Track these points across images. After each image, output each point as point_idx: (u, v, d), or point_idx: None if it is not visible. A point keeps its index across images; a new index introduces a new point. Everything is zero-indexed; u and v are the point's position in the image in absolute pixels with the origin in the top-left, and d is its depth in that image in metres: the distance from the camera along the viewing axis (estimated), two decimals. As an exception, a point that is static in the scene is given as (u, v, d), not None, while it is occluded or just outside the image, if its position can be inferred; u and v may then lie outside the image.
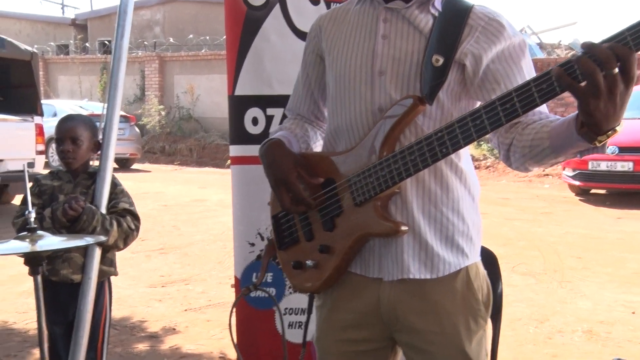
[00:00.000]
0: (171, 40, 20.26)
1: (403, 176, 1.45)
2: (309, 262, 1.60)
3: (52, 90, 21.09)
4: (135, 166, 15.64)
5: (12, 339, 3.93)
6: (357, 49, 1.57)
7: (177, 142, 18.13)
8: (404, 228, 1.49)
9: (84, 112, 14.80)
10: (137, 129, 15.99)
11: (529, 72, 1.48)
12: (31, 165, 9.04)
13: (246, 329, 2.62)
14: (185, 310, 4.63)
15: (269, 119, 2.69)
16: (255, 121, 2.71)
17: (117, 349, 3.77)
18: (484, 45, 1.48)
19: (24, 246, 1.88)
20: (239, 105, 2.72)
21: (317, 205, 1.57)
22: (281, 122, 2.37)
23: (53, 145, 11.95)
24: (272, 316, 2.65)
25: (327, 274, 1.58)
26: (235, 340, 2.39)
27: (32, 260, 1.91)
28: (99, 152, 2.64)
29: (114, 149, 2.66)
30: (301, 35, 2.61)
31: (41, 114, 9.07)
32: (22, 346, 3.83)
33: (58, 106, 14.83)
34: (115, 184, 2.66)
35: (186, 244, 6.93)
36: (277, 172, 1.57)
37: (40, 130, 9.03)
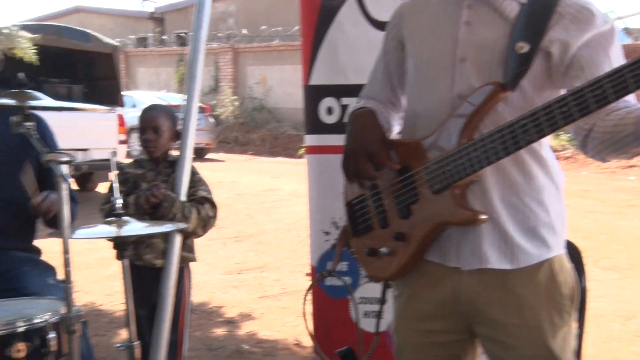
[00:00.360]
0: (244, 32, 20.57)
1: (483, 164, 1.43)
2: (383, 250, 1.60)
3: (131, 82, 21.87)
4: (209, 156, 16.02)
5: (100, 320, 4.13)
6: (439, 36, 1.56)
7: (250, 132, 18.43)
8: (482, 217, 1.46)
9: (162, 103, 15.28)
10: (212, 119, 16.36)
11: (617, 60, 1.43)
12: (114, 154, 9.42)
13: (321, 317, 2.65)
14: (261, 297, 4.73)
15: (344, 109, 2.70)
16: (330, 111, 2.72)
17: (196, 332, 3.89)
18: (573, 33, 1.44)
19: (111, 231, 1.96)
20: (313, 94, 2.74)
21: (393, 191, 1.57)
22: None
23: (133, 135, 12.47)
24: (347, 305, 2.67)
25: (402, 261, 1.57)
26: (310, 327, 2.41)
27: (119, 244, 2.00)
28: (178, 141, 2.73)
29: (193, 138, 2.74)
30: (377, 24, 2.60)
31: (122, 105, 9.43)
32: (109, 326, 4.02)
33: (137, 97, 15.34)
34: (193, 173, 2.74)
35: (260, 233, 7.06)
36: (365, 141, 1.55)
37: (121, 120, 9.39)
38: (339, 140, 2.63)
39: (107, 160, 2.37)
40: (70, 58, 8.87)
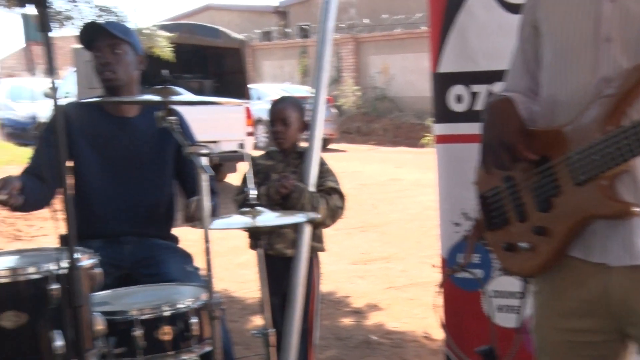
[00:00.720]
0: (366, 21, 20.55)
1: (636, 153, 1.32)
2: (523, 245, 1.53)
3: (257, 75, 22.57)
4: (332, 146, 16.22)
5: (233, 307, 4.30)
6: (579, 14, 1.45)
7: (372, 122, 18.43)
8: (635, 209, 1.36)
9: (287, 95, 15.63)
10: (334, 110, 16.52)
11: None
12: (242, 146, 9.78)
13: (452, 310, 2.59)
14: (387, 288, 4.72)
15: (474, 96, 2.61)
16: (459, 99, 2.64)
17: (325, 322, 3.95)
18: None
19: (246, 221, 2.04)
20: (442, 82, 2.67)
21: (531, 183, 1.49)
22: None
23: (259, 127, 12.83)
24: (479, 298, 2.59)
25: (544, 257, 1.50)
26: (442, 321, 2.37)
27: (254, 234, 2.06)
28: (307, 132, 2.77)
29: (321, 130, 2.77)
30: (509, 7, 2.49)
31: (249, 98, 9.75)
32: (241, 313, 4.18)
33: (262, 90, 15.79)
34: (322, 163, 2.77)
35: (384, 223, 7.05)
36: (502, 131, 1.50)
37: (249, 113, 9.72)
38: (468, 129, 2.58)
39: (236, 152, 2.46)
40: (202, 54, 9.30)
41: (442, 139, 2.72)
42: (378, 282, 4.90)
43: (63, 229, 2.13)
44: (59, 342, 1.65)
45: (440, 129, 2.72)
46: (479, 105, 2.56)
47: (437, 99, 2.70)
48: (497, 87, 2.41)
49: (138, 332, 1.90)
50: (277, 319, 2.75)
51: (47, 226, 7.29)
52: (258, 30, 24.77)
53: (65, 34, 7.16)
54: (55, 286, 1.64)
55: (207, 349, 2.05)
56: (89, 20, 2.39)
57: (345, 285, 4.80)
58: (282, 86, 17.30)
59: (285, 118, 2.73)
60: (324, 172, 2.76)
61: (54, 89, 1.66)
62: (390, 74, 18.72)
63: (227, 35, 9.50)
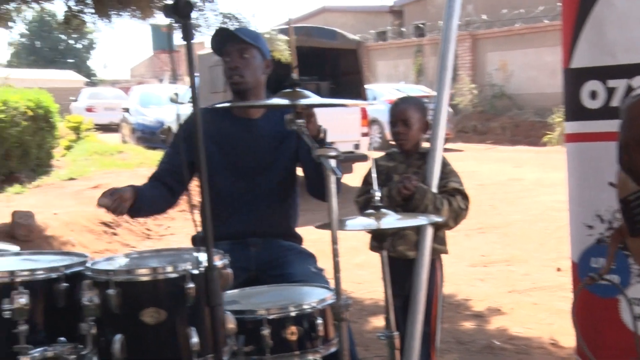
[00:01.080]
0: (484, 17, 19.99)
1: None
2: (672, 252, 1.42)
3: (371, 75, 22.59)
4: (448, 145, 15.86)
5: (351, 307, 4.31)
6: None
7: (489, 120, 17.90)
8: None
9: (400, 95, 15.52)
10: (450, 109, 16.21)
11: None
12: (357, 146, 9.82)
13: (587, 317, 2.45)
14: (509, 291, 4.55)
15: (610, 92, 2.45)
16: (593, 95, 2.50)
17: (445, 325, 3.86)
18: None
19: (371, 223, 2.03)
20: (575, 78, 2.54)
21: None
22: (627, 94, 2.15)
23: (373, 127, 12.75)
24: (616, 305, 2.43)
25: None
26: (577, 329, 2.25)
27: (379, 236, 2.05)
28: (429, 133, 2.72)
29: (444, 130, 2.71)
30: (651, -6, 2.32)
31: (365, 98, 9.76)
32: (360, 314, 4.19)
33: (377, 90, 15.78)
34: (445, 164, 2.71)
35: (505, 224, 6.81)
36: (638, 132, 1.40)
37: (364, 113, 9.73)
38: (603, 127, 2.43)
39: (352, 152, 2.46)
40: (319, 56, 9.42)
41: (573, 138, 2.59)
42: (499, 285, 4.74)
43: (194, 230, 2.24)
44: (194, 339, 1.72)
45: (571, 127, 2.59)
46: (615, 102, 2.40)
47: (569, 96, 2.56)
48: (638, 82, 2.26)
49: (266, 331, 1.94)
50: (398, 321, 2.72)
51: (174, 226, 7.69)
52: (373, 31, 24.78)
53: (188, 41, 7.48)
54: (191, 285, 1.71)
55: (332, 349, 2.07)
56: (217, 27, 2.48)
57: (464, 288, 4.69)
58: (396, 86, 17.21)
59: (407, 119, 2.69)
60: (448, 173, 2.70)
61: (194, 93, 1.70)
62: (509, 70, 18.08)
63: (344, 36, 9.57)
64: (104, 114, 21.62)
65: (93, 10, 5.86)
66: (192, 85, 1.58)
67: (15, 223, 5.56)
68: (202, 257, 1.73)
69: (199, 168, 1.64)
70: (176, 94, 12.32)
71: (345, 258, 5.58)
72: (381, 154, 2.89)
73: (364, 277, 4.98)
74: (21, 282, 1.73)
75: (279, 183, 2.59)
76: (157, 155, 11.60)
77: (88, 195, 7.77)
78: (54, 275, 1.79)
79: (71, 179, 9.14)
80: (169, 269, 1.75)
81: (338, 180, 1.88)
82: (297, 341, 1.99)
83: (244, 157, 2.56)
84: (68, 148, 13.16)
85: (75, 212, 6.75)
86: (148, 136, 14.46)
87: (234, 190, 2.54)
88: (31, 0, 5.23)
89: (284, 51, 6.47)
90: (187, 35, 1.49)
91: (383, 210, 2.06)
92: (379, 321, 4.11)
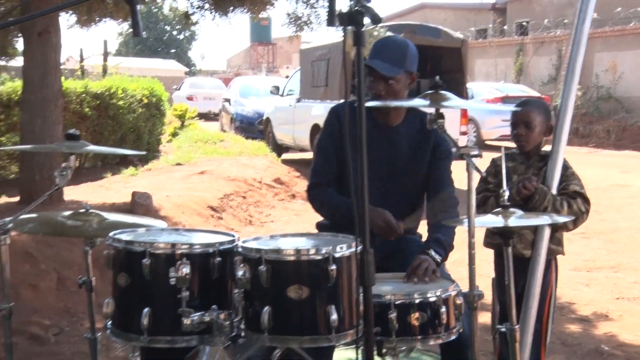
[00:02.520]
0: (595, 15, 19.21)
1: None
2: None
3: (469, 74, 22.25)
4: (546, 148, 15.44)
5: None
6: None
7: (592, 123, 17.23)
8: None
9: (499, 95, 15.23)
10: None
11: None
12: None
13: None
14: (617, 298, 4.48)
15: None
16: None
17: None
18: None
19: (498, 220, 2.12)
20: None
21: None
22: None
23: (469, 126, 12.60)
24: None
25: None
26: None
27: (505, 233, 2.14)
28: (550, 135, 2.76)
29: (567, 133, 2.74)
30: None
31: (466, 98, 9.70)
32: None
33: (475, 89, 15.57)
34: (566, 167, 2.74)
35: (611, 230, 6.63)
36: None
37: (464, 112, 9.67)
38: None
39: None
40: (421, 54, 9.43)
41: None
42: (605, 291, 4.66)
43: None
44: (334, 316, 1.88)
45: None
46: None
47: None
48: None
49: (392, 315, 2.07)
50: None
51: (274, 214, 7.99)
52: (473, 28, 24.37)
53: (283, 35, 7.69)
54: (333, 267, 1.87)
55: (452, 337, 2.18)
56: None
57: (568, 292, 4.64)
58: (496, 85, 16.90)
59: (530, 121, 2.74)
60: (569, 175, 2.73)
61: (360, 99, 1.79)
62: (619, 71, 17.32)
63: (448, 34, 9.54)
64: (203, 103, 22.49)
65: (212, 7, 6.18)
66: (359, 90, 1.70)
67: (135, 202, 5.97)
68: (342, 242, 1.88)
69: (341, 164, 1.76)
70: (276, 87, 12.67)
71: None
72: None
73: (462, 273, 5.01)
74: (182, 254, 1.95)
75: (409, 186, 2.66)
76: (255, 145, 12.01)
77: (195, 181, 8.20)
78: (210, 250, 1.99)
79: (178, 164, 9.65)
80: (313, 250, 1.92)
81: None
82: (421, 326, 2.11)
83: (378, 160, 2.61)
84: (173, 135, 13.84)
85: (184, 195, 7.15)
86: (246, 126, 14.94)
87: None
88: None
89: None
90: (359, 41, 1.62)
91: (511, 209, 2.14)
92: (480, 317, 4.15)
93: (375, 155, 2.62)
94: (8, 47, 7.85)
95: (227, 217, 7.23)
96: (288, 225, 7.29)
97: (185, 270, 1.89)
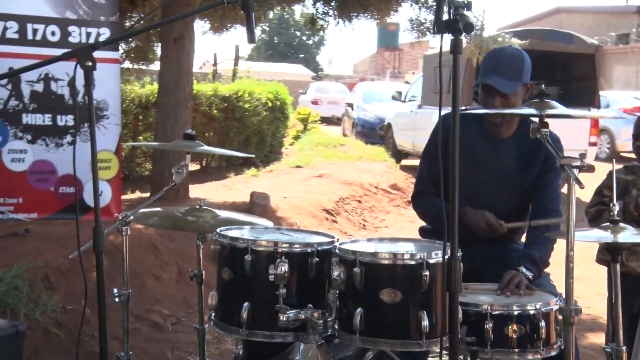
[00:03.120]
0: None
1: None
2: None
3: (606, 81, 20.98)
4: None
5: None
6: None
7: None
8: None
9: (638, 104, 14.25)
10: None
11: None
12: (583, 156, 9.29)
13: None
14: None
15: None
16: None
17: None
18: None
19: (607, 236, 2.02)
20: None
21: None
22: None
23: (602, 137, 11.89)
24: None
25: None
26: None
27: (612, 249, 2.04)
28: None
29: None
30: None
31: (599, 107, 9.19)
32: (576, 328, 4.02)
33: (611, 97, 14.69)
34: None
35: None
36: None
37: (595, 122, 9.16)
38: None
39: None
40: (550, 60, 9.05)
41: None
42: None
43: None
44: (425, 322, 1.88)
45: None
46: None
47: None
48: None
49: (488, 325, 2.04)
50: (623, 338, 2.64)
51: (388, 219, 8.00)
52: (613, 33, 22.98)
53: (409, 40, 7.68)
54: (426, 273, 1.88)
55: (553, 353, 2.11)
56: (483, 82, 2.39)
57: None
58: (635, 93, 15.83)
59: None
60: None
61: (455, 107, 1.79)
62: None
63: (581, 40, 9.08)
64: (327, 107, 22.87)
65: (337, 13, 6.32)
66: (454, 97, 1.71)
67: (253, 202, 6.23)
68: (438, 248, 1.88)
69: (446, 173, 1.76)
70: (399, 92, 12.66)
71: (560, 270, 5.36)
72: (607, 165, 2.79)
73: (580, 290, 4.78)
74: (282, 252, 2.03)
75: (516, 198, 2.61)
76: (375, 150, 12.08)
77: (312, 183, 8.39)
78: (308, 249, 2.07)
79: (298, 166, 9.92)
80: (408, 255, 1.93)
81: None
82: (518, 339, 2.07)
83: (487, 171, 2.59)
84: (296, 138, 14.23)
85: (301, 197, 7.35)
86: (367, 131, 15.05)
87: (473, 199, 2.55)
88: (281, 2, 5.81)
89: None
90: (456, 49, 1.63)
91: (621, 224, 2.04)
92: (596, 337, 3.94)
93: (483, 165, 2.59)
94: (149, 53, 8.46)
95: (341, 221, 7.34)
96: (402, 232, 7.27)
97: (284, 268, 1.97)
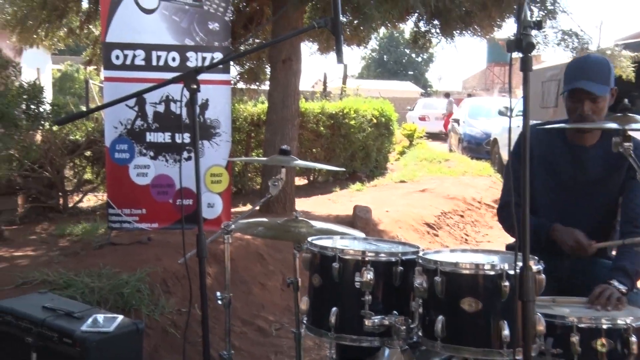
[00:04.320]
0: None
1: None
2: None
3: None
4: None
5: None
6: None
7: None
8: None
9: None
10: None
11: None
12: None
13: None
14: None
15: None
16: None
17: None
18: None
19: None
20: None
21: None
22: None
23: None
24: None
25: None
26: None
27: None
28: None
29: None
30: None
31: None
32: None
33: None
34: None
35: None
36: None
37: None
38: None
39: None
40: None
41: None
42: None
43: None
44: (506, 331, 1.94)
45: None
46: None
47: None
48: None
49: (575, 338, 2.05)
50: None
51: (491, 234, 7.89)
52: None
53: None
54: (506, 283, 1.95)
55: (646, 370, 2.08)
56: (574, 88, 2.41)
57: None
58: None
59: None
60: None
61: (511, 109, 1.92)
62: None
63: None
64: (434, 123, 22.75)
65: (439, 31, 6.39)
66: (525, 109, 1.78)
67: (356, 215, 6.40)
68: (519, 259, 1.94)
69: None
70: (506, 107, 12.40)
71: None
72: None
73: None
74: (368, 260, 2.17)
75: (602, 208, 2.61)
76: (480, 166, 11.89)
77: (415, 197, 8.44)
78: (393, 259, 2.19)
79: (402, 181, 9.99)
80: (488, 266, 2.01)
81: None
82: (607, 354, 2.06)
83: (571, 181, 2.61)
84: (401, 153, 14.29)
85: (403, 211, 7.43)
86: (474, 146, 14.82)
87: (558, 212, 2.61)
88: (386, 22, 5.93)
89: (626, 68, 6.15)
90: (525, 66, 1.71)
91: None
92: None
93: (566, 176, 2.60)
94: (260, 74, 8.88)
95: (442, 235, 7.34)
96: (504, 246, 7.14)
97: (369, 275, 2.11)
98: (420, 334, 2.13)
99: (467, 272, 2.02)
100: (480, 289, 2.00)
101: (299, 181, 9.94)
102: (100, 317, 2.71)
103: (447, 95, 25.40)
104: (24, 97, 6.23)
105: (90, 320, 2.67)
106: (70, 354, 2.56)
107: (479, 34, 6.40)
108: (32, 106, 6.28)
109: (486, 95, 31.40)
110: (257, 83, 8.89)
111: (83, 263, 4.28)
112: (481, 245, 7.33)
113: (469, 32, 6.45)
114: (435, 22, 6.33)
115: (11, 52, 9.18)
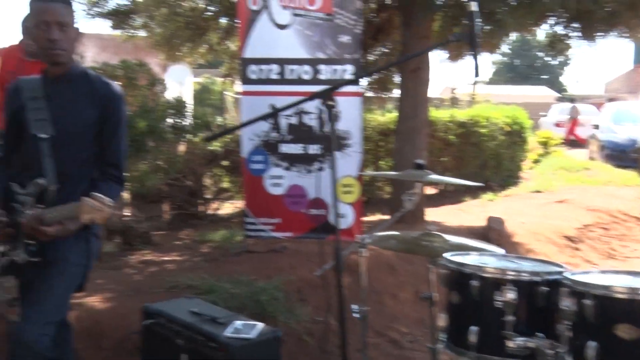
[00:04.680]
0: None
1: None
2: None
3: None
4: None
5: None
6: None
7: None
8: None
9: None
10: None
11: None
12: None
13: None
14: None
15: None
16: None
17: None
18: None
19: None
20: None
21: None
22: None
23: None
24: None
25: None
26: None
27: None
28: None
29: None
30: None
31: None
32: None
33: None
34: None
35: None
36: None
37: None
38: None
39: None
40: None
41: None
42: None
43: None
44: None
45: None
46: None
47: None
48: None
49: None
50: None
51: (640, 248, 7.35)
52: None
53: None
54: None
55: None
56: None
57: None
58: None
59: None
60: None
61: None
62: None
63: None
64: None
65: (580, 34, 6.07)
66: None
67: (489, 227, 6.21)
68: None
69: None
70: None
71: None
72: None
73: None
74: (509, 280, 2.10)
75: None
76: (626, 175, 11.12)
77: (552, 209, 8.04)
78: (536, 278, 2.10)
79: (537, 191, 9.56)
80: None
81: None
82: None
83: None
84: (536, 162, 13.68)
85: (539, 223, 7.10)
86: (618, 154, 13.91)
87: None
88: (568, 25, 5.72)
89: None
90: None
91: None
92: None
93: None
94: (388, 83, 8.89)
95: (584, 249, 6.93)
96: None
97: (511, 295, 2.03)
98: (569, 359, 2.03)
99: (622, 296, 1.90)
100: (638, 316, 1.86)
101: (428, 190, 9.82)
102: (240, 323, 2.82)
103: (571, 100, 24.12)
104: (170, 111, 6.65)
105: (232, 326, 2.79)
106: (216, 357, 2.68)
107: (625, 34, 6.00)
108: (177, 120, 6.69)
109: (631, 98, 29.34)
110: (386, 92, 8.90)
111: (222, 269, 4.49)
112: (629, 261, 6.85)
113: (614, 33, 6.06)
114: (575, 24, 6.01)
115: (158, 68, 9.85)
